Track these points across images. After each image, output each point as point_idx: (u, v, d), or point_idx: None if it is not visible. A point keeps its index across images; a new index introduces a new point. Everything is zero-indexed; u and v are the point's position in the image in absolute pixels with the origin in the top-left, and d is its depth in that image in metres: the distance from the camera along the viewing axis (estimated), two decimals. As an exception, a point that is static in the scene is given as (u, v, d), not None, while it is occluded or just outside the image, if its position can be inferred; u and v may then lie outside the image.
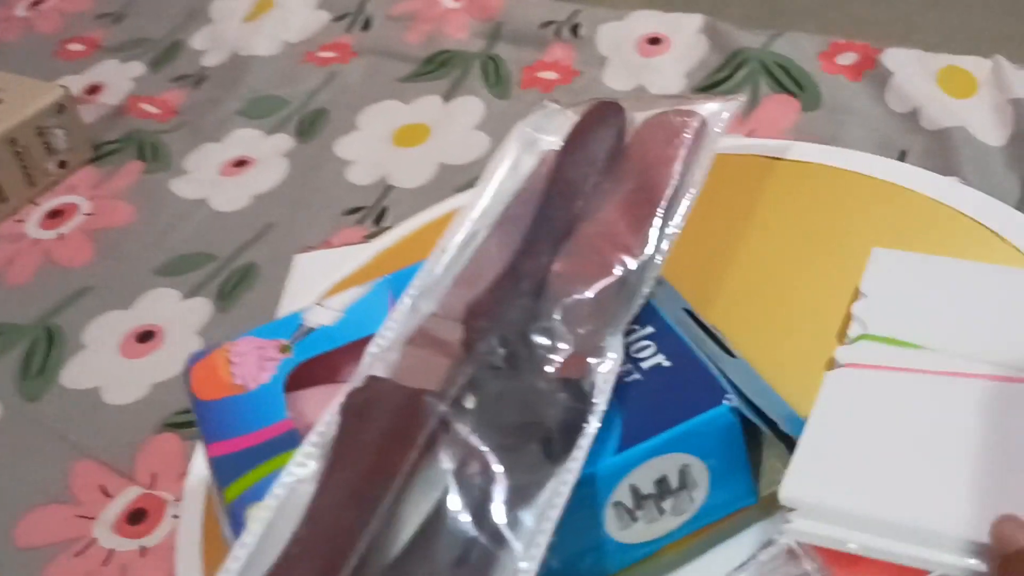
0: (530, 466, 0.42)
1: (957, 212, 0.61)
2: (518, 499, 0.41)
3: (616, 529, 0.45)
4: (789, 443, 0.47)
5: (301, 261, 0.72)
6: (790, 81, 0.78)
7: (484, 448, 0.42)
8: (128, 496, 0.61)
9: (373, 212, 0.77)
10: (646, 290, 0.48)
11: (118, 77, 0.97)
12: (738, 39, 0.83)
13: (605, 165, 0.54)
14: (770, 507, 0.48)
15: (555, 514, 0.41)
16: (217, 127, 0.88)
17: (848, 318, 0.54)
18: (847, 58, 0.79)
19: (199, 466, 0.59)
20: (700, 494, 0.46)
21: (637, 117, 0.57)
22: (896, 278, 0.54)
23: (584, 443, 0.43)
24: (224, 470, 0.46)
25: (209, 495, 0.57)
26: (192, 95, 0.94)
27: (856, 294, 0.55)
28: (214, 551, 0.54)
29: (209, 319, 0.72)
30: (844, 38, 0.80)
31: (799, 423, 0.47)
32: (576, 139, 0.56)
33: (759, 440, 0.47)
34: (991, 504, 0.42)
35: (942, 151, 0.69)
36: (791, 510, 0.44)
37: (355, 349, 0.49)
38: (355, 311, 0.52)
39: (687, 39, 0.85)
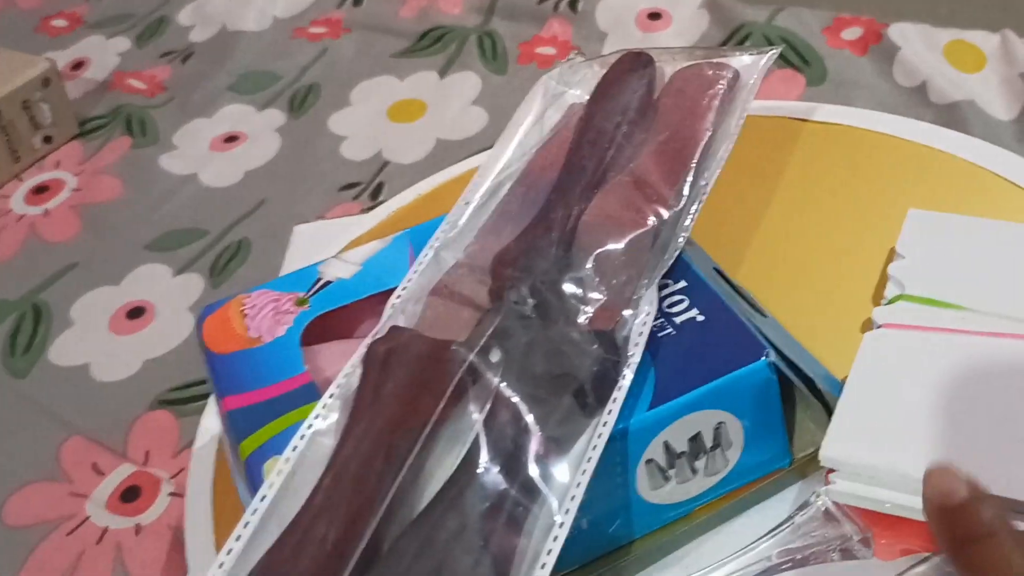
0: (563, 418, 0.40)
1: (991, 173, 0.60)
2: (551, 451, 0.39)
3: (647, 489, 0.44)
4: (824, 403, 0.45)
5: (301, 231, 0.70)
6: (795, 56, 0.77)
7: (515, 399, 0.40)
8: (121, 474, 0.60)
9: (369, 187, 0.75)
10: (680, 241, 0.46)
11: (103, 53, 0.96)
12: (741, 13, 0.82)
13: (636, 115, 0.52)
14: (804, 470, 0.46)
15: (590, 467, 0.39)
16: (207, 102, 0.87)
17: (881, 280, 0.53)
18: (852, 33, 0.78)
19: (204, 434, 0.57)
20: (734, 453, 0.45)
21: (667, 70, 0.56)
22: (933, 239, 0.53)
23: (618, 395, 0.41)
24: (240, 424, 0.44)
25: (217, 463, 0.55)
26: (180, 70, 0.92)
27: (891, 255, 0.53)
28: (223, 521, 0.52)
29: (201, 295, 0.70)
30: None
31: (835, 382, 0.46)
32: (606, 88, 0.54)
33: (792, 401, 0.46)
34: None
35: (951, 125, 0.68)
36: (829, 472, 0.43)
37: (374, 303, 0.48)
38: (373, 264, 0.50)
39: (688, 14, 0.84)
